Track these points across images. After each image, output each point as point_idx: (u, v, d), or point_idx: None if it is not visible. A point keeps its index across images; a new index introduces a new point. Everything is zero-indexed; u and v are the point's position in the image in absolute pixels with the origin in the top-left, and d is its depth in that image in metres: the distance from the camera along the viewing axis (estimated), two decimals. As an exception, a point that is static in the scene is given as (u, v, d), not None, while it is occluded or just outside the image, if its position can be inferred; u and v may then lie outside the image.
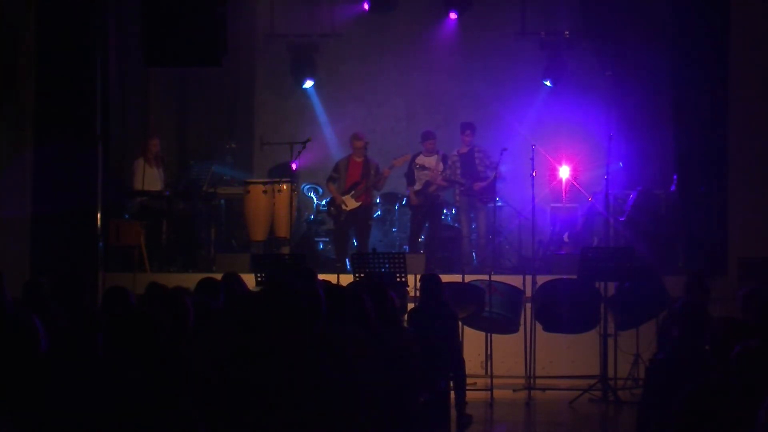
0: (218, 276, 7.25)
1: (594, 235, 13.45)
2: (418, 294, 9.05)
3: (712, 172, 11.01)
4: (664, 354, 5.70)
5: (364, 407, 4.83)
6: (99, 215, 11.12)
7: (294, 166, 13.08)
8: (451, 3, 15.05)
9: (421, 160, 12.91)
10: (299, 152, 12.33)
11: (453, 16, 15.02)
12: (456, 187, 12.69)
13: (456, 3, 15.00)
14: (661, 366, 5.36)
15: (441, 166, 12.70)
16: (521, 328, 10.17)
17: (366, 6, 14.98)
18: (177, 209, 12.59)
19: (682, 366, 5.24)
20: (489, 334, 10.11)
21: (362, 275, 9.62)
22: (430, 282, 8.62)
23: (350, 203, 12.61)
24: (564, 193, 13.31)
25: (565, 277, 10.32)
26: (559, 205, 13.91)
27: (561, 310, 9.96)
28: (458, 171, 12.55)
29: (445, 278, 9.11)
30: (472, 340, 9.94)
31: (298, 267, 9.01)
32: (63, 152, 10.83)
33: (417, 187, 13.02)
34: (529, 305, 10.16)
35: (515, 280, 10.44)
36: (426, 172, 12.77)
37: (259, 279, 9.91)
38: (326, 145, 15.02)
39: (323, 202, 13.50)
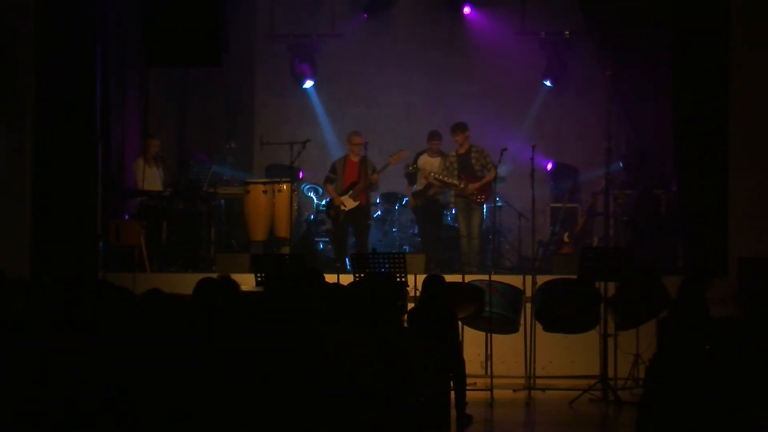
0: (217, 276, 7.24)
1: (594, 235, 13.48)
2: (418, 294, 9.05)
3: (712, 172, 10.99)
4: (664, 354, 5.70)
5: (364, 407, 4.83)
6: (99, 215, 11.12)
7: (301, 175, 13.18)
8: (452, 3, 15.09)
9: (423, 159, 12.89)
10: (299, 152, 12.32)
11: (467, 10, 15.05)
12: (451, 188, 12.66)
13: (458, 2, 15.04)
14: (661, 366, 5.35)
15: (442, 168, 12.68)
16: (521, 328, 10.17)
17: (365, 16, 15.07)
18: (177, 209, 12.60)
19: (682, 366, 5.23)
20: (489, 334, 10.10)
21: (362, 275, 9.62)
22: (432, 283, 8.62)
23: (349, 203, 12.60)
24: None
25: (565, 277, 10.30)
26: (559, 205, 13.94)
27: (561, 310, 9.94)
28: (455, 172, 12.50)
29: (446, 278, 9.10)
30: (472, 340, 9.94)
31: (304, 268, 8.99)
32: (63, 152, 10.83)
33: (418, 187, 13.02)
34: (529, 305, 10.15)
35: (515, 280, 10.43)
36: (419, 173, 12.78)
37: (259, 279, 9.91)
38: (326, 145, 15.04)
39: (323, 202, 13.50)
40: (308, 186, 14.18)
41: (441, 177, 12.51)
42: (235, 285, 5.47)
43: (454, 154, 12.64)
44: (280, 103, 15.56)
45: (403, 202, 13.59)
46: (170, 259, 12.33)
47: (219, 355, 4.71)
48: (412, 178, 13.11)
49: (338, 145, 14.60)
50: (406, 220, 13.64)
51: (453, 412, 8.29)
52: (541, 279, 10.32)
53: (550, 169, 14.31)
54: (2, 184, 10.78)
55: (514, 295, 10.13)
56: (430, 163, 12.85)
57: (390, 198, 13.83)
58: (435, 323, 8.28)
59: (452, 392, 8.39)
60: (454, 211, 12.97)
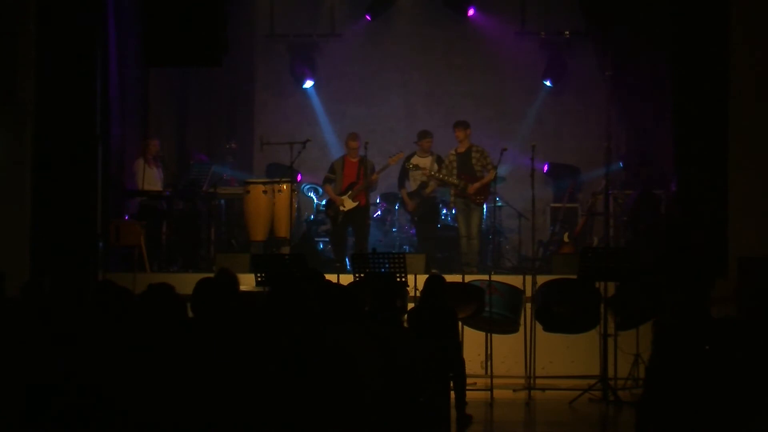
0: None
1: (594, 235, 13.48)
2: (418, 294, 9.05)
3: (712, 172, 10.99)
4: (663, 354, 5.69)
5: (364, 407, 4.83)
6: (99, 215, 11.11)
7: (299, 177, 13.20)
8: (451, 4, 15.10)
9: (415, 160, 12.85)
10: (299, 153, 12.33)
11: (471, 12, 15.08)
12: (450, 187, 12.64)
13: (459, 3, 15.06)
14: (659, 366, 5.35)
15: (436, 167, 12.63)
16: (521, 328, 10.17)
17: (368, 17, 15.11)
18: (177, 209, 12.60)
19: (682, 366, 5.23)
20: (489, 334, 10.10)
21: (362, 275, 9.62)
22: (434, 283, 8.63)
23: (348, 204, 12.60)
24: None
25: (565, 277, 10.30)
26: (559, 205, 13.94)
27: (561, 310, 9.94)
28: (455, 171, 12.48)
29: (446, 278, 9.10)
30: (472, 340, 9.94)
31: (304, 269, 8.99)
32: (63, 152, 10.83)
33: (412, 188, 13.00)
34: (529, 305, 10.15)
35: (515, 280, 10.43)
36: (420, 172, 12.73)
37: (259, 279, 9.91)
38: (326, 145, 15.05)
39: (323, 202, 13.51)
40: (308, 186, 14.19)
41: (440, 175, 12.49)
42: (235, 279, 5.47)
43: (453, 152, 12.61)
44: (280, 103, 15.57)
45: (395, 207, 13.60)
46: (170, 259, 12.33)
47: (218, 355, 4.72)
48: (402, 179, 13.06)
49: (338, 145, 14.61)
50: (406, 220, 13.64)
51: (453, 412, 8.29)
52: (541, 279, 10.31)
53: (546, 171, 14.33)
54: (2, 184, 10.78)
55: (514, 295, 10.13)
56: (421, 163, 12.81)
57: (390, 198, 13.84)
58: (435, 323, 8.28)
59: (452, 392, 8.39)
60: (454, 211, 12.96)
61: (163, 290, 5.14)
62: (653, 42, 12.83)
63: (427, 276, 8.96)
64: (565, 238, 13.29)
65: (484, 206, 12.71)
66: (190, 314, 5.22)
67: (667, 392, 5.12)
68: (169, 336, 4.90)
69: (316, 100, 15.38)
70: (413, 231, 13.46)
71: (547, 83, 14.98)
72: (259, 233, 12.58)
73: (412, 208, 12.97)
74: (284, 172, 12.72)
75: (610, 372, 9.86)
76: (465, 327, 9.75)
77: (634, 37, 13.28)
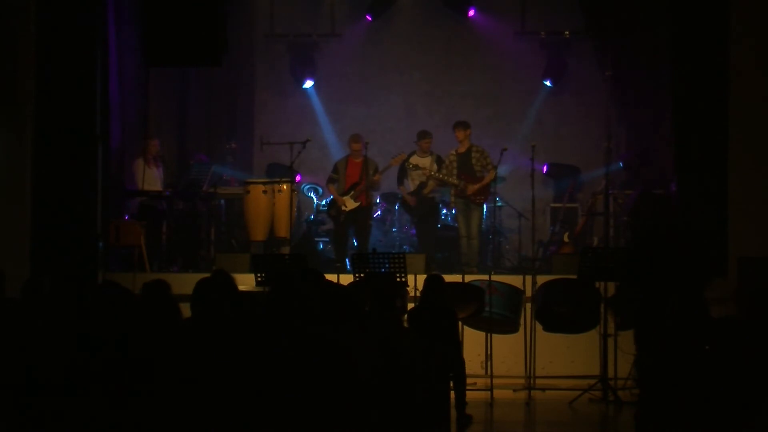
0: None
1: (594, 235, 13.48)
2: (418, 294, 9.05)
3: (712, 172, 10.98)
4: (657, 353, 5.69)
5: (363, 407, 4.83)
6: (99, 215, 11.11)
7: (298, 178, 13.20)
8: (451, 4, 15.11)
9: (415, 160, 12.84)
10: (299, 152, 12.33)
11: (471, 13, 15.10)
12: (450, 187, 12.63)
13: (459, 3, 15.07)
14: (653, 366, 5.35)
15: (435, 167, 12.63)
16: (521, 328, 10.17)
17: (369, 18, 15.12)
18: (177, 209, 12.60)
19: (682, 366, 5.23)
20: (489, 334, 10.10)
21: (362, 275, 9.62)
22: (434, 282, 8.63)
23: (350, 204, 12.60)
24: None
25: (565, 277, 10.30)
26: (559, 205, 13.94)
27: (561, 310, 9.94)
28: (455, 171, 12.47)
29: (445, 278, 9.11)
30: (472, 340, 9.94)
31: (304, 269, 8.98)
32: (63, 152, 10.83)
33: (411, 188, 13.00)
34: (529, 305, 10.15)
35: (515, 280, 10.43)
36: (419, 171, 12.71)
37: (259, 279, 9.91)
38: (326, 145, 15.06)
39: (323, 202, 13.51)
40: (308, 186, 14.19)
41: (440, 175, 12.49)
42: (231, 279, 5.47)
43: (453, 152, 12.61)
44: (280, 103, 15.57)
45: (395, 207, 13.59)
46: (170, 259, 12.33)
47: (218, 355, 4.72)
48: (401, 177, 13.05)
49: (338, 146, 14.61)
50: (406, 220, 13.65)
51: (453, 412, 8.29)
52: (541, 279, 10.31)
53: (546, 171, 14.34)
54: (2, 184, 10.78)
55: (514, 295, 10.13)
56: (423, 163, 12.81)
57: (390, 198, 13.84)
58: (435, 323, 8.28)
59: (452, 392, 8.38)
60: (454, 211, 12.96)
61: (158, 288, 5.14)
62: (653, 42, 12.83)
63: (426, 276, 8.96)
64: (565, 238, 13.30)
65: (484, 206, 12.71)
66: (188, 314, 5.23)
67: (666, 392, 5.12)
68: (168, 335, 4.90)
69: (316, 100, 15.38)
70: (413, 231, 13.46)
71: (547, 83, 14.99)
72: (259, 233, 12.58)
73: (413, 202, 12.93)
74: (284, 172, 12.72)
75: (610, 372, 9.86)
76: (465, 327, 9.75)
77: (634, 37, 13.28)
